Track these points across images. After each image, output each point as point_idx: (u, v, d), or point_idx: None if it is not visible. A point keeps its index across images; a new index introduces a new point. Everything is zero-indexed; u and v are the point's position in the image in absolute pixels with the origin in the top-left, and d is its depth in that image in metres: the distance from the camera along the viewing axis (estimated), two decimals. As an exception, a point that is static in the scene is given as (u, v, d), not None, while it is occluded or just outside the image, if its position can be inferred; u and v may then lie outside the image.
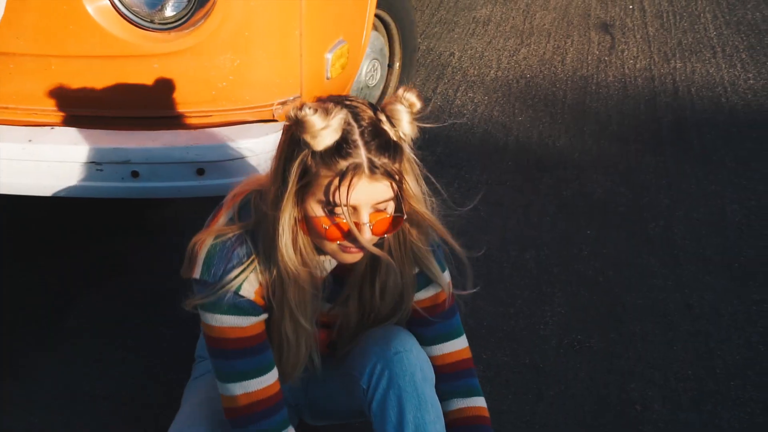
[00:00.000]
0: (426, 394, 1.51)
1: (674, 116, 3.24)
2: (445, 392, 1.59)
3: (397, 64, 2.94)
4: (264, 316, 1.50)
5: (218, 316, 1.46)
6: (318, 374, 1.61)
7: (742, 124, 3.19)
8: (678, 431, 1.95)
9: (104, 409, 2.01)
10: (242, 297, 1.45)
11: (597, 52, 3.78)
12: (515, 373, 2.10)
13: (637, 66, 3.65)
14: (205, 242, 1.45)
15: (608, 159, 2.96)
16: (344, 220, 1.35)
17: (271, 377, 1.53)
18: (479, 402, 1.64)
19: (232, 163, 1.99)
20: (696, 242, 2.52)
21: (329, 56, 2.16)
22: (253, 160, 1.99)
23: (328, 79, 2.21)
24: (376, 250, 1.42)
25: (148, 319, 2.23)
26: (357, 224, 1.36)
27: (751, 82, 3.50)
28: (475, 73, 3.60)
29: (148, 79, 1.99)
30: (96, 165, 1.93)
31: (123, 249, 2.48)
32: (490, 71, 3.62)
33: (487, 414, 1.63)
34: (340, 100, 1.36)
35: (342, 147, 1.31)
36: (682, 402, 2.02)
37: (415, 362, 1.52)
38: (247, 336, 1.49)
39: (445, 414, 1.57)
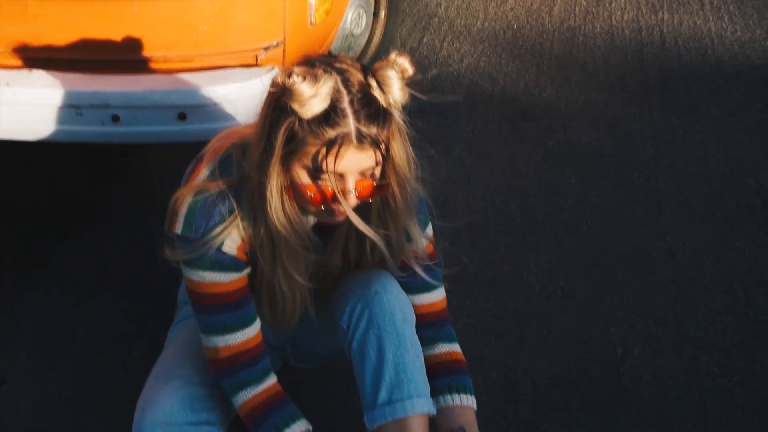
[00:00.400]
0: (406, 334, 1.52)
1: (661, 67, 3.23)
2: (426, 339, 1.60)
3: (382, 13, 2.91)
4: (246, 271, 1.51)
5: (200, 273, 1.47)
6: (313, 323, 1.62)
7: (728, 75, 3.18)
8: (658, 375, 1.98)
9: (87, 353, 2.01)
10: (224, 253, 1.46)
11: (584, 3, 3.75)
12: (498, 319, 2.12)
13: (625, 17, 3.62)
14: (185, 198, 1.44)
15: (594, 109, 2.95)
16: (330, 188, 1.35)
17: (253, 330, 1.54)
18: (458, 348, 1.66)
19: (214, 108, 1.97)
20: (680, 191, 2.53)
21: (312, 0, 2.13)
22: (235, 105, 1.97)
23: (311, 24, 2.18)
24: (361, 224, 1.41)
25: (130, 265, 2.22)
26: (343, 191, 1.36)
27: (738, 34, 3.49)
28: (462, 23, 3.56)
29: (128, 22, 1.95)
30: (75, 109, 1.90)
31: (105, 197, 2.46)
32: (476, 21, 3.58)
33: (464, 359, 1.65)
34: (329, 63, 1.33)
35: (330, 116, 1.30)
36: (662, 346, 2.04)
37: (395, 302, 1.53)
38: (229, 291, 1.50)
39: (426, 357, 1.58)
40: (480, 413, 1.89)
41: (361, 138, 1.31)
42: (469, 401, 1.59)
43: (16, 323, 2.08)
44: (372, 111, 1.31)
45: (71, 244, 2.29)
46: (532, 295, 2.18)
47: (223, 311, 1.50)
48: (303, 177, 1.36)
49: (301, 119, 1.31)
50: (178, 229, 1.45)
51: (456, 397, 1.58)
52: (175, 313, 1.86)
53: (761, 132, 2.79)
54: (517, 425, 1.89)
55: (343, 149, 1.30)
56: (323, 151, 1.31)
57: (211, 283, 1.48)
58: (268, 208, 1.39)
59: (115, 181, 2.51)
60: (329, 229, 1.55)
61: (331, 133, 1.30)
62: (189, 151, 1.58)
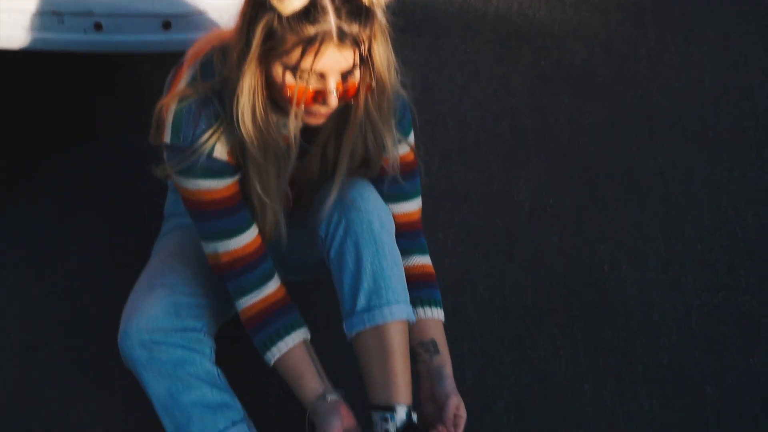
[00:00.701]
0: (384, 242, 1.51)
1: (658, -12, 3.16)
2: (400, 249, 1.59)
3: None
4: (238, 175, 1.49)
5: (193, 180, 1.45)
6: (282, 240, 1.60)
7: (726, -4, 3.11)
8: (644, 291, 1.99)
9: (74, 264, 2.01)
10: (216, 159, 1.44)
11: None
12: (487, 236, 2.12)
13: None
14: (170, 106, 1.42)
15: (588, 29, 2.89)
16: (310, 88, 1.32)
17: (250, 235, 1.53)
18: (429, 260, 1.66)
19: (199, 16, 1.91)
20: (672, 111, 2.50)
21: None
22: (221, 14, 1.91)
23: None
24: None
25: (116, 179, 2.20)
26: (323, 91, 1.33)
27: (738, -45, 3.41)
28: (456, -58, 3.47)
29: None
30: (57, 16, 1.85)
31: (90, 110, 2.42)
32: (471, -60, 3.49)
33: (434, 272, 1.66)
34: None
35: (310, 12, 1.26)
36: (649, 263, 2.05)
37: (373, 210, 1.52)
38: (223, 197, 1.49)
39: (405, 268, 1.58)
40: (466, 327, 1.93)
41: (342, 36, 1.28)
42: (438, 314, 1.60)
43: (1, 236, 2.07)
44: (353, 8, 1.28)
45: (54, 159, 2.26)
46: (522, 213, 2.18)
47: (220, 217, 1.49)
48: (281, 75, 1.33)
49: (280, 16, 1.27)
50: (167, 138, 1.43)
51: (426, 310, 1.59)
52: (162, 226, 1.85)
53: (757, 53, 2.75)
54: (503, 339, 1.90)
55: (323, 47, 1.28)
56: (302, 48, 1.28)
57: (206, 190, 1.47)
58: (239, 110, 1.36)
59: (100, 97, 2.47)
60: (311, 135, 1.53)
61: (310, 30, 1.27)
62: (173, 63, 1.55)
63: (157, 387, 1.53)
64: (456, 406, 1.48)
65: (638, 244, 2.10)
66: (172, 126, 1.42)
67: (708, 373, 1.84)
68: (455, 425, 1.46)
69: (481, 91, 2.59)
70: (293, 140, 1.44)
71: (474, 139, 2.39)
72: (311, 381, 1.50)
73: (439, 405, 1.50)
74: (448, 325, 1.61)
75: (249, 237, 1.52)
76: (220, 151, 1.44)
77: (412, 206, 1.62)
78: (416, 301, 1.57)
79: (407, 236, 1.61)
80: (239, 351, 1.68)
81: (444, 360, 1.56)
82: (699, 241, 2.11)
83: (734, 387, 1.82)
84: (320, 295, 1.86)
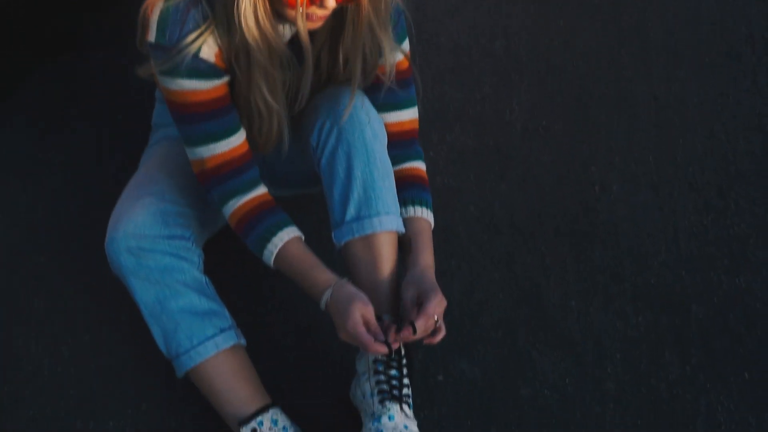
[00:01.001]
0: (375, 151, 1.49)
1: None
2: (393, 157, 1.57)
3: None
4: (226, 78, 1.46)
5: (179, 81, 1.42)
6: (284, 148, 1.58)
7: None
8: (634, 211, 1.99)
9: (60, 175, 1.99)
10: (202, 60, 1.41)
11: None
12: (478, 155, 2.10)
13: None
14: (156, 5, 1.39)
15: (586, -47, 2.84)
16: None
17: (237, 139, 1.50)
18: (423, 166, 1.64)
19: None
20: (669, 36, 2.47)
21: None
22: None
23: None
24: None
25: (103, 91, 2.16)
26: None
27: None
28: None
29: None
30: None
31: (75, 24, 2.36)
32: None
33: (426, 178, 1.63)
34: None
35: None
36: (640, 184, 2.04)
37: (365, 119, 1.49)
38: (210, 99, 1.45)
39: (394, 172, 1.56)
40: (456, 244, 1.92)
41: None
42: (425, 214, 1.57)
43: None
44: None
45: (42, 71, 2.21)
46: (514, 133, 2.16)
47: (205, 119, 1.46)
48: None
49: None
50: (152, 37, 1.40)
51: (411, 209, 1.56)
52: (149, 137, 1.83)
53: (756, -19, 2.71)
54: (492, 256, 1.90)
55: None
56: None
57: (191, 91, 1.43)
58: (240, 15, 1.33)
59: (85, 7, 2.40)
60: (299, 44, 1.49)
61: None
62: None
63: (144, 294, 1.53)
64: (434, 305, 1.41)
65: (630, 166, 2.09)
66: (158, 25, 1.38)
67: (695, 292, 1.85)
68: (433, 321, 1.41)
69: (474, 10, 2.54)
70: (306, 40, 1.40)
71: (467, 60, 2.35)
72: (322, 272, 1.46)
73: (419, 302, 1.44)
74: (436, 243, 1.60)
75: (237, 141, 1.50)
76: (208, 53, 1.41)
77: (407, 115, 1.60)
78: (404, 201, 1.55)
79: (401, 145, 1.59)
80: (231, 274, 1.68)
81: (419, 259, 1.51)
82: (690, 165, 2.10)
83: (720, 306, 1.83)
84: (310, 210, 1.85)
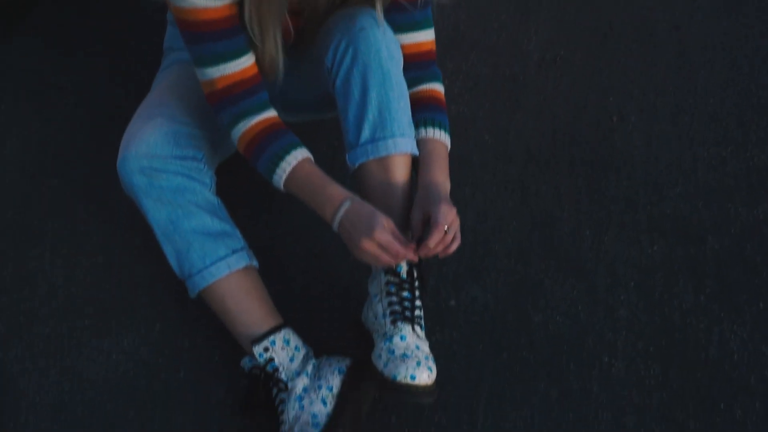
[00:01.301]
0: (391, 72, 1.46)
1: None
2: (410, 79, 1.54)
3: None
4: None
5: None
6: (279, 75, 1.54)
7: None
8: (651, 141, 1.96)
9: (72, 99, 1.98)
10: None
11: None
12: (494, 84, 2.07)
13: None
14: None
15: None
16: None
17: (247, 60, 1.47)
18: (440, 87, 1.60)
19: None
20: (692, -34, 2.41)
21: None
22: None
23: None
24: None
25: (114, 15, 2.14)
26: None
27: None
28: None
29: None
30: None
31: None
32: None
33: (443, 99, 1.59)
34: None
35: None
36: (659, 115, 2.01)
37: (381, 39, 1.46)
38: (220, 18, 1.42)
39: (411, 94, 1.53)
40: (469, 172, 1.90)
41: None
42: (439, 135, 1.54)
43: (1, 74, 2.03)
44: None
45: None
46: (531, 63, 2.12)
47: (215, 39, 1.43)
48: None
49: None
50: None
51: (424, 130, 1.53)
52: (162, 61, 1.81)
53: None
54: (507, 184, 1.88)
55: None
56: None
57: (202, 8, 1.40)
58: None
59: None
60: None
61: None
62: None
63: (157, 214, 1.52)
64: (441, 215, 1.38)
65: (649, 96, 2.05)
66: None
67: (711, 223, 1.83)
68: (447, 232, 1.38)
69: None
70: None
71: (485, -12, 2.31)
72: (336, 188, 1.42)
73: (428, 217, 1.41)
74: (451, 171, 1.57)
75: (247, 62, 1.47)
76: None
77: (424, 36, 1.57)
78: (419, 123, 1.53)
79: (419, 66, 1.56)
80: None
81: (426, 176, 1.48)
82: (711, 96, 2.06)
83: (737, 237, 1.81)
84: (323, 135, 1.83)
